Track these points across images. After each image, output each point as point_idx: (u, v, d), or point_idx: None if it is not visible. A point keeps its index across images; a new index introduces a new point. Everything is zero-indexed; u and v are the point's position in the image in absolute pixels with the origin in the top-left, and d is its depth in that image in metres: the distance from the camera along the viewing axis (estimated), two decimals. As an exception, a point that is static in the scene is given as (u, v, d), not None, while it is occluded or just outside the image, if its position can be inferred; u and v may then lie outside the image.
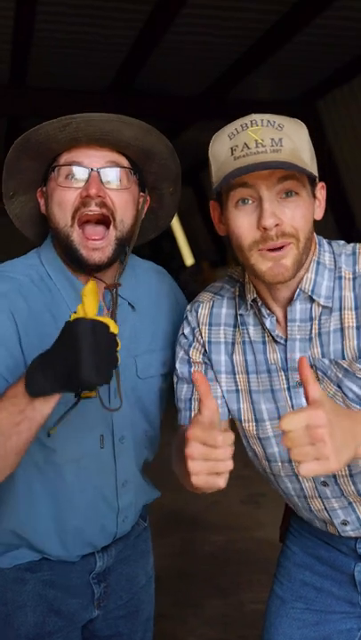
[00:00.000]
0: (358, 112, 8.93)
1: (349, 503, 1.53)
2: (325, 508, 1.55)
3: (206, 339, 1.49)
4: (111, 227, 1.32)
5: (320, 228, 1.48)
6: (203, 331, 1.49)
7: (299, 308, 1.37)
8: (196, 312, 1.50)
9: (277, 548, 3.71)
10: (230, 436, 1.15)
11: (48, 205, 1.36)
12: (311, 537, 1.68)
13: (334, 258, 1.40)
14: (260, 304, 1.41)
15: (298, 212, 1.28)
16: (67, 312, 1.31)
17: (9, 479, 1.32)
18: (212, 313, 1.49)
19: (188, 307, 1.53)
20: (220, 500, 4.45)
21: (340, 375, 1.36)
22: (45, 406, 1.20)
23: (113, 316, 1.33)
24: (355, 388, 1.36)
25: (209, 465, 1.11)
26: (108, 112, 1.61)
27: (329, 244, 1.44)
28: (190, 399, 1.48)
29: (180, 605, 3.33)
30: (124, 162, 1.37)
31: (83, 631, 1.58)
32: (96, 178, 1.29)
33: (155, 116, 10.14)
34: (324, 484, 1.51)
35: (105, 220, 1.31)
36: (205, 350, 1.49)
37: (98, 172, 1.30)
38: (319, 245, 1.41)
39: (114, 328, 1.13)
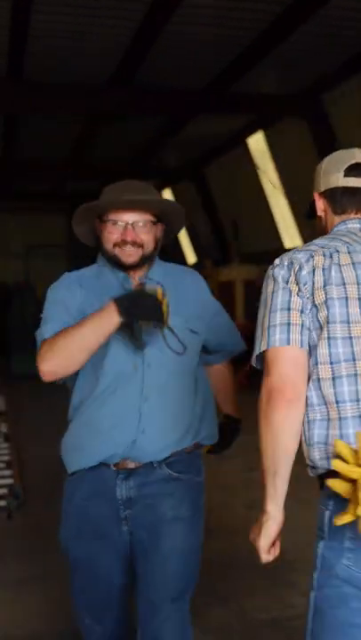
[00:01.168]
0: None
1: None
2: None
3: None
4: (140, 249, 2.27)
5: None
6: None
7: None
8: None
9: (282, 554, 3.62)
10: None
11: (101, 234, 2.31)
12: None
13: None
14: None
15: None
16: (110, 287, 2.30)
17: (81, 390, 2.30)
18: None
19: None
20: (223, 505, 4.42)
21: None
22: (116, 320, 2.12)
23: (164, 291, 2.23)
24: None
25: None
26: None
27: None
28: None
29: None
30: (148, 216, 2.29)
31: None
32: (130, 229, 2.26)
33: (156, 110, 10.14)
34: None
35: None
36: None
37: (132, 225, 2.26)
38: None
39: (160, 295, 2.16)
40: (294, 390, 1.68)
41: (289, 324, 1.72)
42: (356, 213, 1.94)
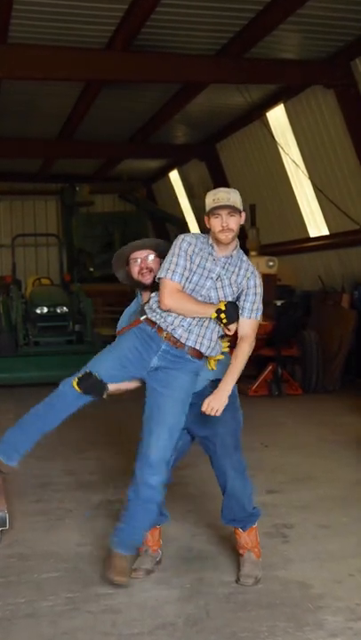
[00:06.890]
0: None
1: None
2: None
3: None
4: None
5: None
6: None
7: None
8: None
9: (306, 589, 3.61)
10: None
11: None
12: None
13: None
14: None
15: (233, 221, 3.89)
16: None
17: None
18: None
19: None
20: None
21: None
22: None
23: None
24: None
25: None
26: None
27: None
28: None
29: (190, 657, 3.32)
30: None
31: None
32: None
33: (160, 78, 10.10)
34: None
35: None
36: None
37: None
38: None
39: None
40: None
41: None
42: None
